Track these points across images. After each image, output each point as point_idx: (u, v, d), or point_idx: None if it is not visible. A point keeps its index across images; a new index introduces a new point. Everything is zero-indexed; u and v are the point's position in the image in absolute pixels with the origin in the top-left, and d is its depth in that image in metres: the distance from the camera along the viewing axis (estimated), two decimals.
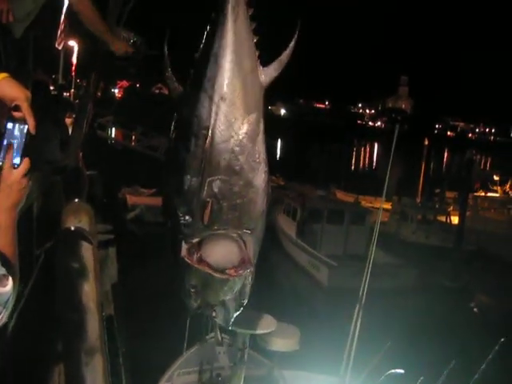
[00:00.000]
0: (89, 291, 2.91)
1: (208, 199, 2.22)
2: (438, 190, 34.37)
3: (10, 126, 1.76)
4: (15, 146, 1.75)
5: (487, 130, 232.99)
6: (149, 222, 24.62)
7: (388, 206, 27.52)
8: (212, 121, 2.20)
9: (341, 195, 30.73)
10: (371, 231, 18.49)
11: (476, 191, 33.65)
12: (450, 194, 33.71)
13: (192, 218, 2.26)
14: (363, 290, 6.17)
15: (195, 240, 2.26)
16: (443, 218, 28.30)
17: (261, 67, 2.27)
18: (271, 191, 2.37)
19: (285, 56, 2.29)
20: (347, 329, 6.14)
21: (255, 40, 2.26)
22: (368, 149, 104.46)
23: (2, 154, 1.75)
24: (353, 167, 64.68)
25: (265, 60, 2.29)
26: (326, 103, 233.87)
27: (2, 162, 1.75)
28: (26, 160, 1.78)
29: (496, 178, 37.58)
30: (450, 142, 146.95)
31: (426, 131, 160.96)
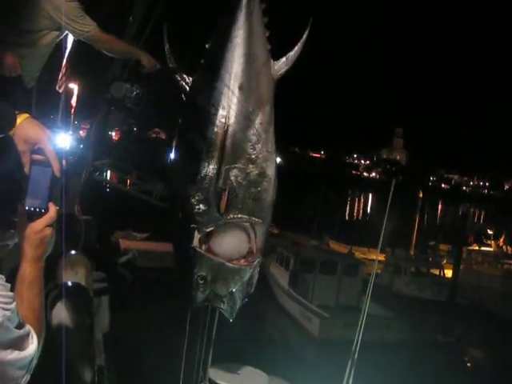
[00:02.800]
0: (83, 346, 2.87)
1: (225, 187, 2.23)
2: (431, 243, 34.34)
3: (34, 169, 1.67)
4: (40, 190, 1.65)
5: (481, 183, 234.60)
6: (141, 266, 24.44)
7: (381, 257, 27.43)
8: (230, 110, 2.24)
9: (334, 246, 30.65)
10: (364, 283, 18.42)
11: (470, 245, 33.63)
12: (443, 247, 33.69)
13: (207, 206, 2.25)
14: (356, 343, 6.09)
15: (209, 229, 2.26)
16: (437, 271, 28.20)
17: (272, 61, 2.34)
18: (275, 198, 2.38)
19: (296, 51, 2.37)
20: (339, 383, 6.04)
21: (267, 34, 2.34)
22: (362, 199, 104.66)
23: (28, 200, 1.65)
24: (347, 218, 64.70)
25: (275, 54, 2.39)
26: (322, 153, 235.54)
27: (28, 208, 1.65)
28: (54, 208, 1.67)
29: (490, 231, 37.59)
30: (444, 195, 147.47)
31: (421, 183, 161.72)
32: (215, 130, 2.23)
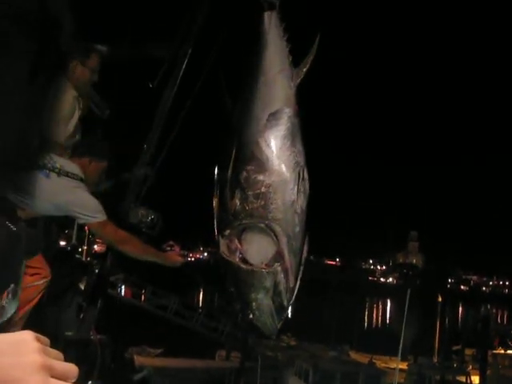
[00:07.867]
0: None
1: (235, 190, 2.28)
2: (455, 348, 33.25)
3: None
4: None
5: (501, 282, 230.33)
6: None
7: (404, 366, 26.55)
8: (242, 118, 2.41)
9: (354, 355, 29.76)
10: None
11: (495, 348, 32.54)
12: (468, 352, 32.57)
13: (224, 210, 2.34)
14: None
15: (227, 232, 2.29)
16: (463, 379, 27.13)
17: (292, 68, 2.49)
18: (308, 187, 2.35)
19: (309, 57, 2.54)
20: None
21: (288, 48, 2.52)
22: (380, 306, 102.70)
23: None
24: (366, 325, 63.25)
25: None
26: (337, 260, 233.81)
27: None
28: None
29: None
30: (463, 297, 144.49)
31: (439, 286, 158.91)
32: (230, 137, 2.41)
